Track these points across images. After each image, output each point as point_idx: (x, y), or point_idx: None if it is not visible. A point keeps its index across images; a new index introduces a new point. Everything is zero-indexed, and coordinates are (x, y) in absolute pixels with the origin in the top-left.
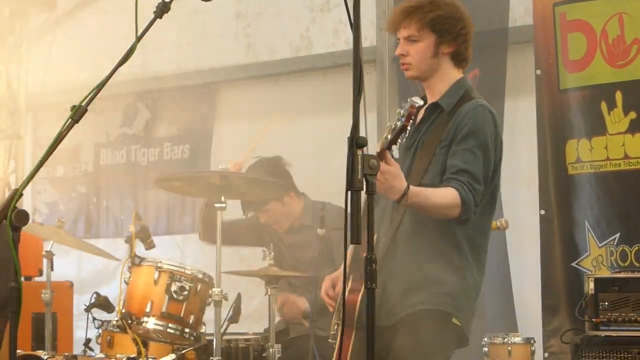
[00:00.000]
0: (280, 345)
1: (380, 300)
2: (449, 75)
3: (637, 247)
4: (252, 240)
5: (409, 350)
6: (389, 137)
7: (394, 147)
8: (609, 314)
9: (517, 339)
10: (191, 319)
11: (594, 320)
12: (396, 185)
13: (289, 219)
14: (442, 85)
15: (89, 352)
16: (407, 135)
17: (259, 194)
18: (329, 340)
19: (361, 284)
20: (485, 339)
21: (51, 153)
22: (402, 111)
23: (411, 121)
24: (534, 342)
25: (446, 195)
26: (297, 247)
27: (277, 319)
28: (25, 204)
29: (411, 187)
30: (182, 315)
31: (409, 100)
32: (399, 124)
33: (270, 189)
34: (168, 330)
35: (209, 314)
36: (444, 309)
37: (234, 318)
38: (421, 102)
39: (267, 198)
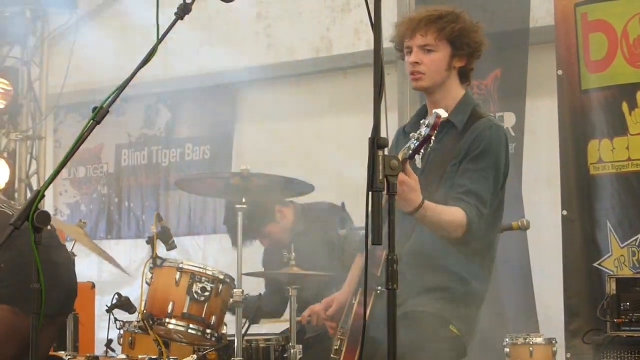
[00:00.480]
0: (301, 345)
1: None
2: (454, 90)
3: None
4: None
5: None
6: (412, 146)
7: (416, 157)
8: (631, 315)
9: (539, 340)
10: (212, 319)
11: (615, 320)
12: (413, 198)
13: (286, 231)
14: (447, 101)
15: (110, 353)
16: (431, 145)
17: (277, 195)
18: (332, 355)
19: (369, 297)
20: (507, 340)
21: (73, 154)
22: (426, 121)
23: (435, 132)
24: (556, 342)
25: (455, 214)
26: (318, 250)
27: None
28: (47, 204)
29: (426, 201)
30: (203, 315)
31: (433, 111)
32: (423, 133)
33: (289, 188)
34: (189, 330)
35: (230, 314)
36: (441, 314)
37: (255, 319)
38: (446, 114)
39: (284, 198)
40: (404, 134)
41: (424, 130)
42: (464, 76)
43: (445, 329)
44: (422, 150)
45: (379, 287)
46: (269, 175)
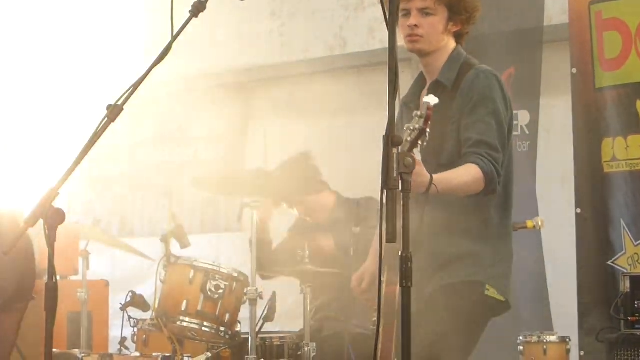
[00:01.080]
0: (315, 343)
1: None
2: (447, 52)
3: None
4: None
5: (439, 326)
6: (409, 139)
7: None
8: None
9: (553, 338)
10: (226, 317)
11: (629, 318)
12: (423, 181)
13: (324, 211)
14: (439, 62)
15: (124, 351)
16: (427, 138)
17: (293, 194)
18: (371, 327)
19: (396, 275)
20: (521, 338)
21: (88, 152)
22: (419, 113)
23: (429, 123)
24: (570, 340)
25: (468, 173)
26: (333, 245)
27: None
28: (61, 203)
29: (433, 176)
30: (217, 313)
31: (423, 101)
32: (417, 126)
33: (305, 187)
34: (203, 328)
35: (244, 312)
36: (474, 279)
37: (269, 316)
38: (436, 101)
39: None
40: (406, 107)
41: (417, 125)
42: (459, 39)
43: (482, 293)
44: (419, 143)
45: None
46: (284, 175)
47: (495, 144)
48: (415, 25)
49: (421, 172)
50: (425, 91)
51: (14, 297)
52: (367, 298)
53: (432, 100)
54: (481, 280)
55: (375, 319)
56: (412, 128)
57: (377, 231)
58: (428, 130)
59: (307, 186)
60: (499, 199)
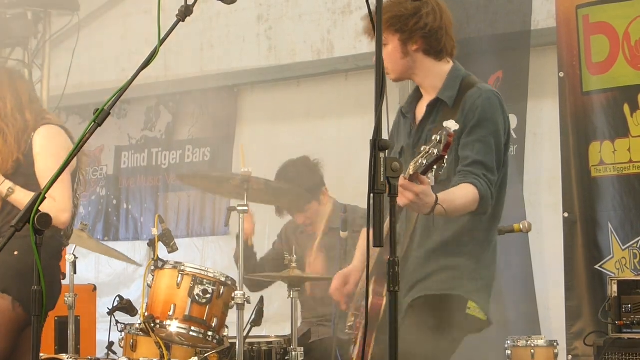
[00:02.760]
0: (302, 348)
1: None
2: (433, 69)
3: None
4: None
5: (415, 335)
6: (424, 162)
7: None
8: (632, 317)
9: (541, 342)
10: (214, 322)
11: (617, 322)
12: (429, 202)
13: (324, 219)
14: (432, 80)
15: (112, 356)
16: (444, 165)
17: (282, 203)
18: (346, 331)
19: (383, 286)
20: (509, 342)
21: (74, 156)
22: (438, 137)
23: (449, 150)
24: (557, 344)
25: (467, 194)
26: (329, 251)
27: (299, 322)
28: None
29: (439, 196)
30: (205, 318)
31: (444, 126)
32: (436, 151)
33: (294, 198)
34: (191, 333)
35: (231, 316)
36: (456, 293)
37: (257, 321)
38: (457, 127)
39: (291, 206)
40: (402, 115)
41: (436, 149)
42: (434, 52)
43: (464, 311)
44: (434, 167)
45: None
46: (271, 184)
47: (493, 166)
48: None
49: (428, 192)
50: (424, 107)
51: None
52: (345, 302)
53: (452, 126)
54: (463, 296)
55: (350, 323)
56: (428, 151)
57: (363, 233)
58: (446, 157)
59: (297, 200)
60: (489, 217)
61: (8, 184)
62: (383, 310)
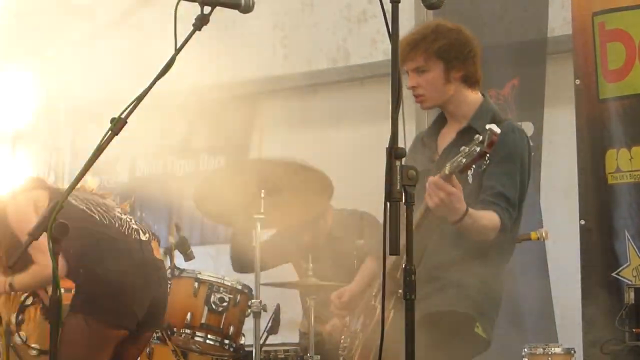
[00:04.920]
0: (319, 356)
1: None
2: (466, 98)
3: None
4: (278, 259)
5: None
6: (464, 161)
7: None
8: None
9: (558, 350)
10: (230, 330)
11: (634, 330)
12: (459, 208)
13: (324, 232)
14: (464, 109)
15: None
16: (486, 161)
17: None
18: (339, 352)
19: (388, 301)
20: (525, 350)
21: (91, 165)
22: (481, 137)
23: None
24: (575, 352)
25: (492, 219)
26: (336, 259)
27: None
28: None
29: (469, 209)
30: (221, 326)
31: (488, 127)
32: (478, 149)
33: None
34: (207, 341)
35: (248, 324)
36: (464, 311)
37: (273, 329)
38: (499, 130)
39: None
40: (422, 142)
41: (478, 147)
42: (470, 82)
43: (470, 326)
44: (473, 166)
45: (400, 291)
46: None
47: (515, 201)
48: (414, 87)
49: (460, 198)
50: (448, 134)
51: (143, 325)
52: (342, 314)
53: (495, 128)
54: (471, 314)
55: (345, 344)
56: (468, 151)
57: (370, 250)
58: (488, 155)
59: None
60: (504, 243)
61: (6, 280)
62: (389, 324)
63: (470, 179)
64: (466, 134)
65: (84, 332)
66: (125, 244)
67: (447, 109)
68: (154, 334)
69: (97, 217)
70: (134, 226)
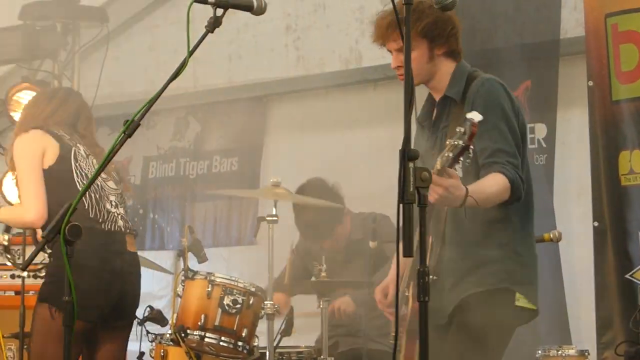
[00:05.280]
0: (333, 358)
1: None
2: (447, 70)
3: None
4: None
5: (466, 335)
6: (451, 155)
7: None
8: None
9: (572, 352)
10: (244, 332)
11: None
12: (460, 195)
13: (344, 238)
14: (444, 81)
15: None
16: (470, 154)
17: (312, 220)
18: (390, 341)
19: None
20: (539, 352)
21: (104, 167)
22: (462, 129)
23: (473, 140)
24: (588, 354)
25: (497, 183)
26: (350, 262)
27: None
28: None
29: (468, 187)
30: (235, 328)
31: (467, 118)
32: (461, 142)
33: (330, 219)
34: (221, 343)
35: (261, 326)
36: (503, 286)
37: (287, 331)
38: (480, 117)
39: (322, 224)
40: (419, 125)
41: (461, 140)
42: (453, 56)
43: (513, 302)
44: (461, 159)
45: (432, 276)
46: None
47: (513, 150)
48: (399, 66)
49: (458, 186)
50: (435, 109)
51: (110, 317)
52: (391, 312)
53: (476, 117)
54: (510, 287)
55: (393, 333)
56: (454, 143)
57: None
58: (472, 147)
59: (332, 217)
60: (520, 205)
61: None
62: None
63: (460, 173)
64: (445, 105)
65: (50, 324)
66: (101, 238)
67: (431, 84)
68: (168, 335)
69: (85, 204)
70: (120, 222)
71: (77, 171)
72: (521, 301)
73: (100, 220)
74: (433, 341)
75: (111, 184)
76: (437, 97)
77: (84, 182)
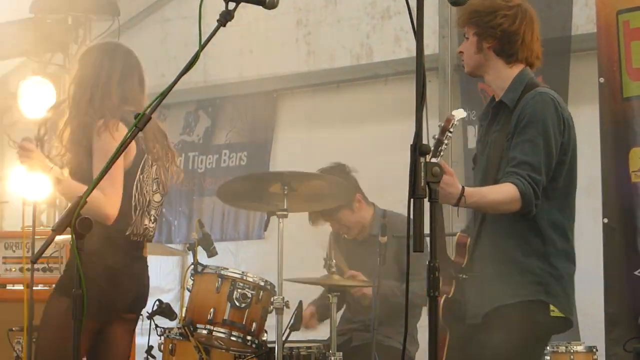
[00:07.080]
0: (342, 353)
1: (468, 297)
2: (503, 72)
3: None
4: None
5: (498, 345)
6: (432, 148)
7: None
8: None
9: (580, 348)
10: (253, 326)
11: None
12: (452, 192)
13: (358, 226)
14: (500, 82)
15: None
16: (444, 148)
17: (326, 202)
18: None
19: (450, 286)
20: (548, 348)
21: (115, 160)
22: (441, 123)
23: (448, 134)
24: (597, 350)
25: (503, 191)
26: (366, 257)
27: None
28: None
29: (466, 188)
30: (244, 322)
31: (451, 113)
32: (436, 136)
33: (338, 193)
34: (230, 337)
35: (270, 321)
36: (537, 298)
37: (296, 325)
38: (462, 115)
39: (334, 206)
40: (479, 124)
41: (437, 134)
42: (506, 56)
43: (548, 314)
44: (440, 153)
45: (463, 275)
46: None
47: (539, 166)
48: (461, 52)
49: (452, 183)
50: (491, 111)
51: (123, 308)
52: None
53: (458, 114)
54: (544, 300)
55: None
56: (435, 137)
57: None
58: (446, 141)
59: (344, 199)
60: (556, 217)
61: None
62: (442, 307)
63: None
64: (499, 109)
65: (63, 318)
66: (127, 246)
67: (486, 79)
68: (177, 329)
69: (132, 219)
70: (149, 235)
71: (138, 184)
72: (556, 312)
73: (135, 233)
74: (464, 338)
75: (157, 197)
76: (496, 97)
77: (141, 198)
